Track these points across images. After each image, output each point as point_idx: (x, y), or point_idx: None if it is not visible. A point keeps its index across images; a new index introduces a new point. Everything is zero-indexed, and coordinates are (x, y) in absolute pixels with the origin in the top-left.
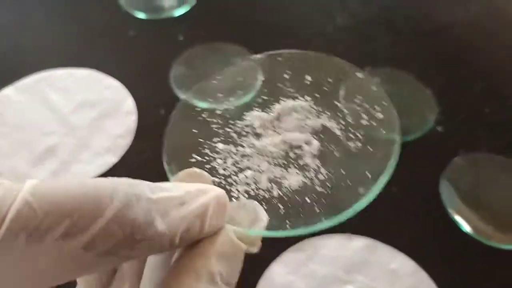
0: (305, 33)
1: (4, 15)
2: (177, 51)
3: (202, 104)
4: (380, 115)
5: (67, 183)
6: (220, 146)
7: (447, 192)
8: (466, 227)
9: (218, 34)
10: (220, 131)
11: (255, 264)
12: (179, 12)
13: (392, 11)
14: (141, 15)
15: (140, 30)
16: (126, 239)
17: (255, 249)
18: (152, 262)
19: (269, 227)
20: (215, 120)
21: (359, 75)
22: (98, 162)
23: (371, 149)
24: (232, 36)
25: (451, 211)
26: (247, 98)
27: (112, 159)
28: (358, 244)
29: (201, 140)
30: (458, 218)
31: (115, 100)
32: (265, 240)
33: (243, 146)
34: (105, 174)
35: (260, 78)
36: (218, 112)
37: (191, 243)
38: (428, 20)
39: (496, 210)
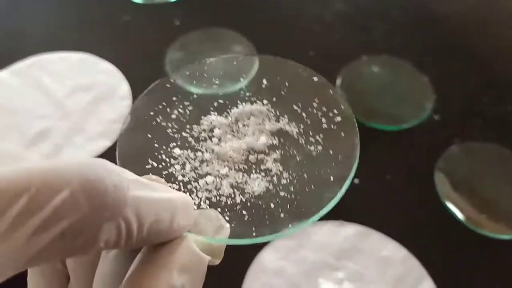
0: (302, 21)
1: None
2: (173, 36)
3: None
4: (339, 118)
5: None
6: (177, 151)
7: (441, 180)
8: (459, 216)
9: (214, 19)
10: (176, 135)
11: (246, 250)
12: None
13: (389, 1)
14: (137, 0)
15: (136, 15)
16: (93, 214)
17: (218, 261)
18: (104, 269)
19: (234, 235)
20: (170, 125)
21: (315, 79)
22: (92, 147)
23: (331, 152)
24: (228, 22)
25: (445, 199)
26: (203, 102)
27: (105, 143)
28: (350, 231)
29: (156, 145)
30: (451, 207)
31: (109, 85)
32: (256, 225)
33: (201, 151)
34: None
35: (216, 81)
36: (173, 116)
37: (154, 246)
38: (424, 10)
39: (490, 199)
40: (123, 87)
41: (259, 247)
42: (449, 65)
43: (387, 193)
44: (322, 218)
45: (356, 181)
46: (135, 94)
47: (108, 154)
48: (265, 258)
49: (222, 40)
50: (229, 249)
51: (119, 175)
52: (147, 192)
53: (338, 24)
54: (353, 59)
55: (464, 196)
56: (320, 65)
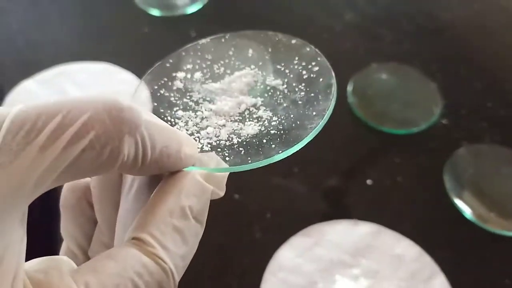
0: (313, 30)
1: (22, 14)
2: None
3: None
4: (316, 68)
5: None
6: (180, 113)
7: (450, 181)
8: (468, 214)
9: (229, 30)
10: (179, 102)
11: (265, 248)
12: (191, 9)
13: (397, 10)
14: (155, 12)
15: (154, 27)
16: (114, 127)
17: (221, 192)
18: (125, 207)
19: (232, 164)
20: (172, 94)
21: (293, 41)
22: None
23: (313, 95)
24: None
25: (454, 198)
26: (197, 75)
27: None
28: (364, 229)
29: (162, 110)
30: (461, 205)
31: (130, 93)
32: (273, 226)
33: (201, 111)
34: None
35: (208, 57)
36: (174, 87)
37: (165, 180)
38: (431, 19)
39: (498, 198)
40: (143, 95)
41: (276, 246)
42: (456, 71)
43: (399, 193)
44: (337, 217)
45: (369, 182)
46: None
47: None
48: (282, 256)
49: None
50: (249, 248)
51: (133, 103)
52: (157, 121)
53: (348, 32)
54: (363, 66)
55: (473, 195)
56: None
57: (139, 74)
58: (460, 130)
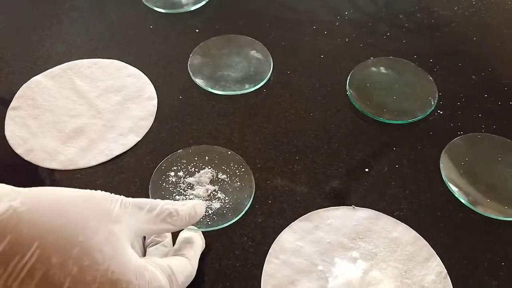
0: (313, 26)
1: (34, 12)
2: (194, 42)
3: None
4: (241, 173)
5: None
6: (177, 197)
7: (446, 168)
8: (464, 199)
9: (231, 27)
10: (174, 190)
11: (268, 231)
12: (195, 6)
13: (396, 7)
14: (160, 10)
15: (160, 23)
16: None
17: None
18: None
19: (200, 225)
20: (168, 186)
21: (229, 153)
22: (122, 141)
23: (239, 183)
24: (244, 29)
25: (451, 185)
26: (180, 173)
27: (135, 138)
28: (362, 215)
29: (167, 196)
30: (456, 191)
31: (137, 87)
32: (275, 211)
33: (188, 195)
34: (128, 152)
35: (183, 161)
36: (169, 181)
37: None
38: (430, 15)
39: (492, 183)
40: (149, 89)
41: (279, 229)
42: (452, 64)
43: (396, 181)
44: (336, 204)
45: (367, 170)
46: (160, 95)
47: (138, 147)
48: (284, 239)
49: (238, 45)
50: (253, 231)
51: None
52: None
53: (347, 28)
54: (362, 60)
55: (468, 182)
56: (330, 66)
57: (145, 68)
58: (456, 121)
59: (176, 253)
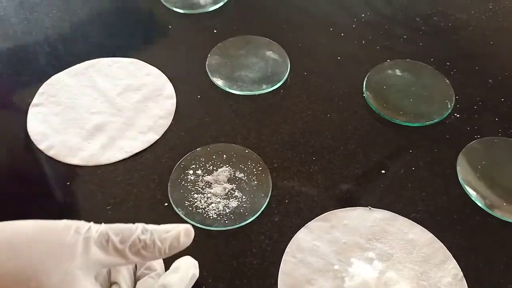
0: (331, 28)
1: (54, 12)
2: (212, 42)
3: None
4: (258, 172)
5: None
6: (195, 195)
7: (463, 171)
8: (480, 202)
9: (249, 28)
10: (192, 188)
11: (285, 231)
12: (213, 7)
13: (413, 10)
14: (179, 10)
15: (178, 24)
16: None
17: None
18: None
19: (218, 224)
20: (187, 184)
21: (246, 151)
22: (142, 139)
23: (256, 182)
24: (261, 30)
25: (467, 188)
26: (198, 172)
27: (154, 137)
28: (378, 216)
29: (186, 194)
30: (473, 194)
31: (156, 86)
32: (292, 211)
33: (206, 194)
34: (148, 149)
35: (202, 160)
36: (188, 179)
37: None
38: (446, 18)
39: (509, 187)
40: (168, 88)
41: (295, 228)
42: (468, 68)
43: (412, 183)
44: (352, 205)
45: (384, 171)
46: (179, 94)
47: (157, 145)
48: (301, 238)
49: (256, 46)
50: (270, 230)
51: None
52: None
53: (364, 31)
54: (378, 63)
55: (485, 185)
56: (347, 68)
57: (164, 67)
58: (473, 124)
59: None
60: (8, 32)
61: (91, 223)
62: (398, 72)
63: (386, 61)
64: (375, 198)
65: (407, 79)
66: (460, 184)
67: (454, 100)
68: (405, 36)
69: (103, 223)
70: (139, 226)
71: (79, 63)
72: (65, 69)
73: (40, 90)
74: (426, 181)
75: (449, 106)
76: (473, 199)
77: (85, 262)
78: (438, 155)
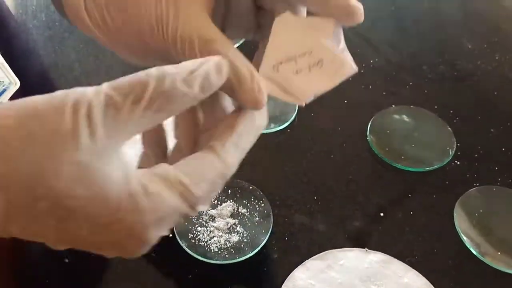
0: None
1: (80, 45)
2: None
3: None
4: (260, 208)
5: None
6: (199, 228)
7: (460, 218)
8: (476, 251)
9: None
10: (196, 221)
11: (282, 267)
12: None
13: (420, 59)
14: None
15: None
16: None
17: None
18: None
19: (218, 257)
20: (198, 220)
21: (250, 187)
22: None
23: (256, 218)
24: None
25: (463, 235)
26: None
27: None
28: (374, 258)
29: (190, 227)
30: (469, 242)
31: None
32: (290, 248)
33: (209, 227)
34: None
35: None
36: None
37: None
38: (453, 67)
39: (505, 237)
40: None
41: (292, 266)
42: (471, 116)
43: (410, 227)
44: (349, 245)
45: (382, 214)
46: None
47: None
48: (297, 276)
49: None
50: (268, 266)
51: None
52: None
53: (372, 76)
54: (384, 107)
55: (480, 233)
56: (353, 111)
57: None
58: (472, 172)
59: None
60: (35, 64)
61: (88, 89)
62: (402, 117)
63: (391, 106)
64: (373, 240)
65: (410, 124)
66: (457, 231)
67: (455, 147)
68: (411, 83)
69: (103, 84)
70: (152, 73)
71: None
72: None
73: None
74: (423, 226)
75: (450, 153)
76: (468, 246)
77: (96, 143)
78: (436, 200)
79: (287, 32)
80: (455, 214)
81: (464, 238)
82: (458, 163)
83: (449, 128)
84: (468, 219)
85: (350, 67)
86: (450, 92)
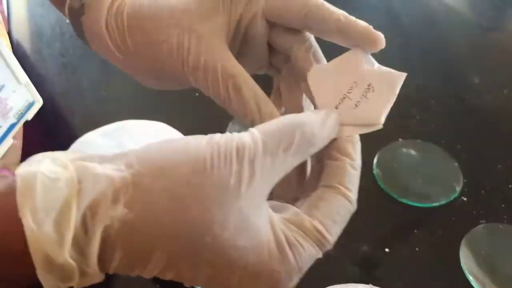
0: None
1: (92, 73)
2: None
3: None
4: None
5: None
6: None
7: (466, 256)
8: None
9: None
10: None
11: None
12: None
13: (428, 93)
14: None
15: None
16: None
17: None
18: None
19: None
20: None
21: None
22: None
23: None
24: None
25: (468, 274)
26: None
27: None
28: None
29: None
30: (474, 281)
31: None
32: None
33: None
34: None
35: None
36: None
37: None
38: (460, 102)
39: (509, 275)
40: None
41: None
42: (479, 152)
43: (415, 263)
44: (354, 281)
45: (387, 250)
46: None
47: None
48: None
49: None
50: None
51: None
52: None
53: None
54: (391, 141)
55: (485, 272)
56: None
57: (188, 132)
58: (479, 208)
59: (321, 184)
60: (48, 90)
61: (243, 135)
62: (409, 151)
63: (398, 140)
64: (377, 276)
65: (417, 159)
66: (462, 269)
67: (462, 183)
68: (418, 117)
69: (253, 130)
70: (294, 121)
71: (110, 123)
72: (95, 129)
73: (71, 148)
74: (428, 263)
75: (456, 189)
76: (472, 284)
77: (254, 191)
78: (442, 237)
79: (324, 80)
80: (461, 252)
81: (470, 277)
82: (465, 199)
83: (456, 164)
84: (474, 257)
85: (399, 74)
86: (457, 127)
